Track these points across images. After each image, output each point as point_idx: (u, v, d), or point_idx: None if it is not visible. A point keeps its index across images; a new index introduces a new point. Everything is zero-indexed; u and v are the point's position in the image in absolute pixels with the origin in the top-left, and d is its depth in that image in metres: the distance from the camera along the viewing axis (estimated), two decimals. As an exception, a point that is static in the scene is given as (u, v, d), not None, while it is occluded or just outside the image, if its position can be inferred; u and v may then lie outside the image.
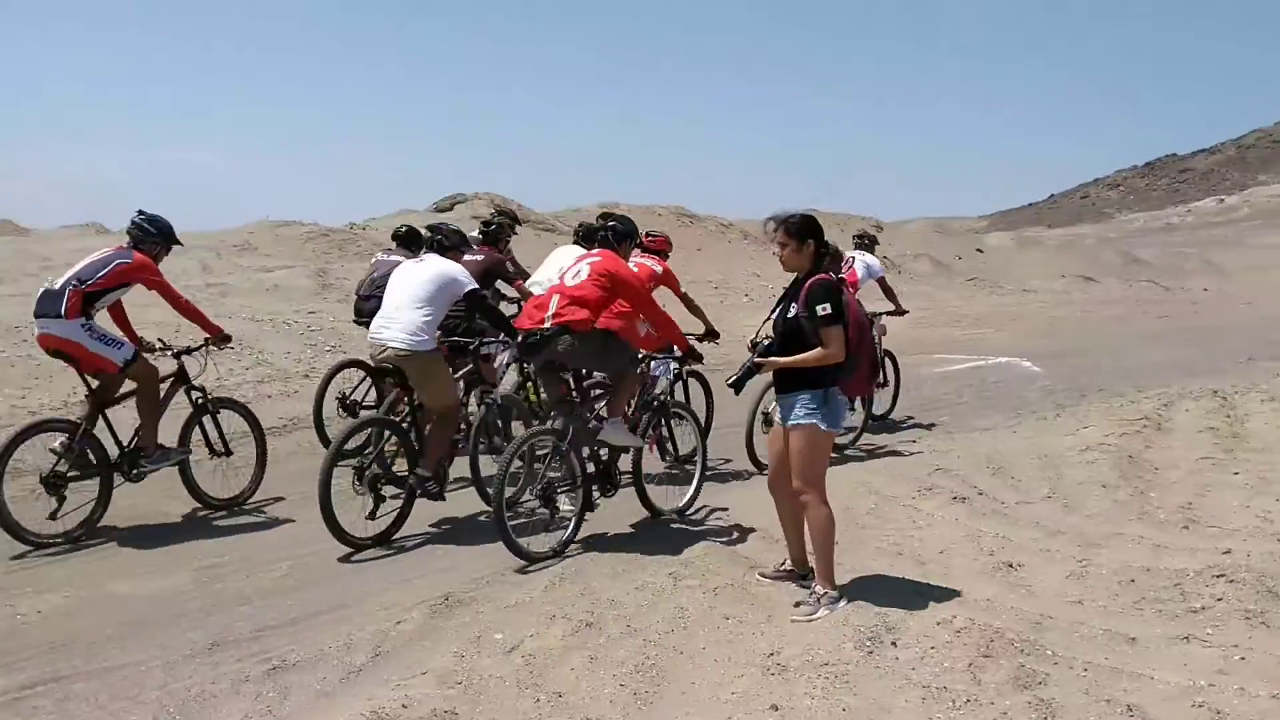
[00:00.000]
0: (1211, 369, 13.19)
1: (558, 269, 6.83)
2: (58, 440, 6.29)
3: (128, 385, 6.67)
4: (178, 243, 7.13)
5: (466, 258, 7.18)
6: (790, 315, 4.76)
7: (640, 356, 6.60)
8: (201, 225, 20.36)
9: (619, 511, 6.73)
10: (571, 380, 6.37)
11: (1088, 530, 5.78)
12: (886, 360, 9.56)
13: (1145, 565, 5.08)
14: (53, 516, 6.18)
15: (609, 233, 6.52)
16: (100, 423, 6.57)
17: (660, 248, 8.36)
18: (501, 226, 9.15)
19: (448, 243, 6.63)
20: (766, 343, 4.83)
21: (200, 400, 7.14)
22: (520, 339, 6.12)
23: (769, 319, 4.99)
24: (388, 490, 6.22)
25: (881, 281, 9.99)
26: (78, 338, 6.29)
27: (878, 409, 9.66)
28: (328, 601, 5.39)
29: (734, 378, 4.78)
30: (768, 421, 7.16)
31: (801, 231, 4.77)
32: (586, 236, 7.38)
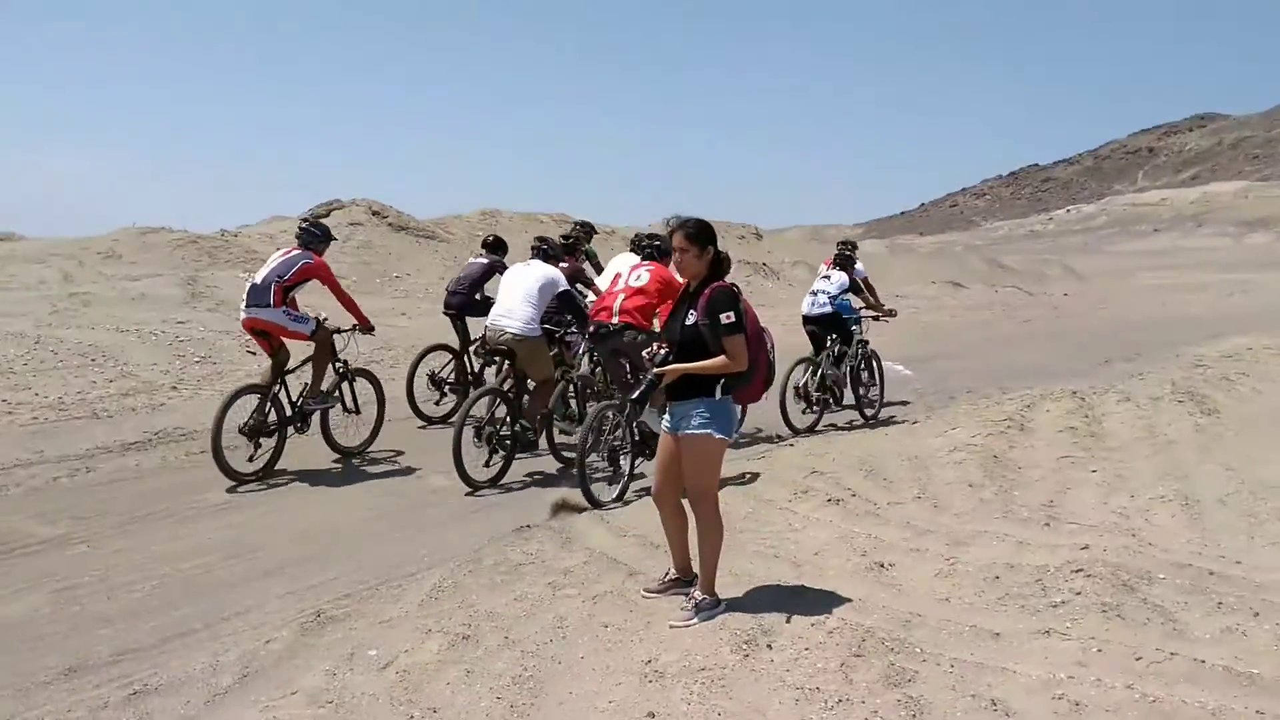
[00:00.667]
0: (1071, 371, 13.80)
1: (614, 273, 8.30)
2: (256, 399, 8.08)
3: (300, 353, 8.54)
4: (334, 239, 9.17)
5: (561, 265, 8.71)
6: (689, 323, 4.66)
7: None
8: (63, 232, 19.51)
9: (499, 523, 6.69)
10: (629, 366, 7.63)
11: (955, 529, 5.97)
12: (872, 361, 10.92)
13: (1009, 562, 5.27)
14: (250, 460, 8.01)
15: (654, 250, 8.01)
16: (281, 390, 8.34)
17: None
18: (578, 238, 10.37)
19: (551, 251, 8.52)
20: (665, 353, 4.73)
21: (342, 369, 8.86)
22: (591, 330, 7.70)
23: (670, 324, 4.89)
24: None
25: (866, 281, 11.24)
26: (279, 320, 8.22)
27: (868, 410, 10.76)
28: (193, 621, 5.21)
29: (637, 393, 4.69)
30: (798, 394, 10.08)
31: (701, 237, 4.69)
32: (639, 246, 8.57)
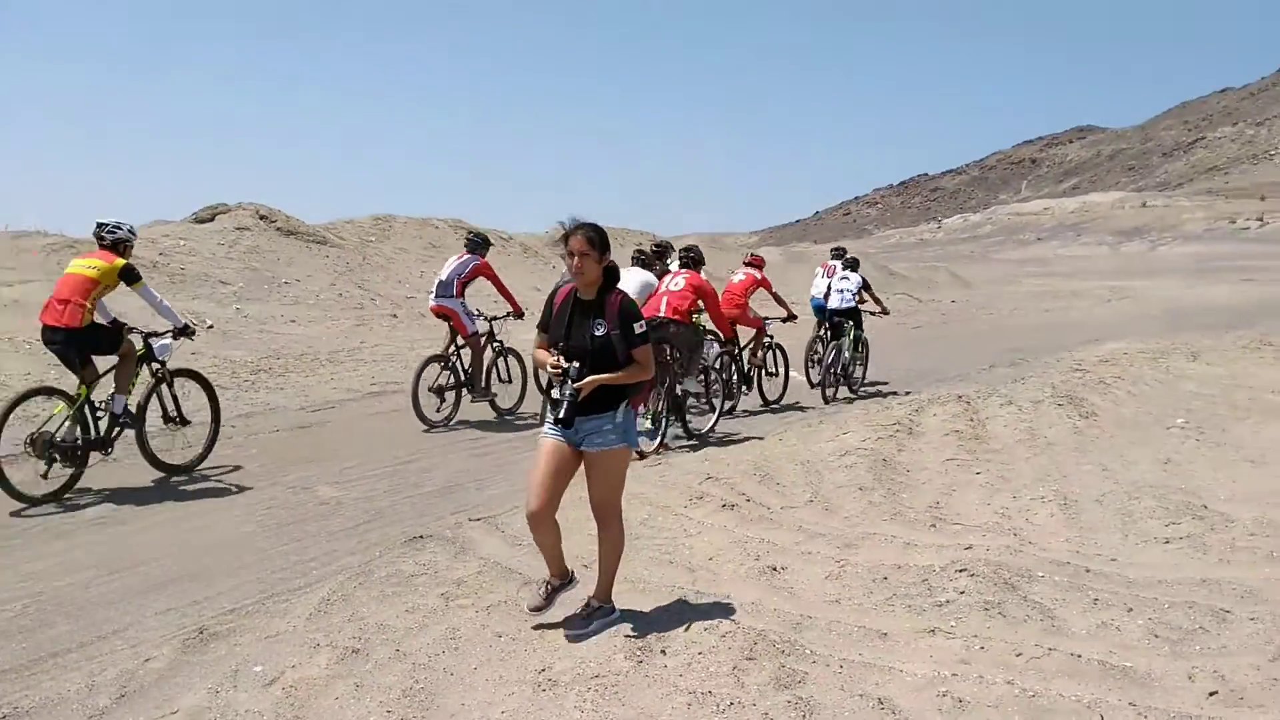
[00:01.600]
0: (958, 375, 14.21)
1: (637, 285, 9.49)
2: (438, 366, 10.48)
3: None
4: (492, 245, 12.19)
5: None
6: (599, 333, 4.48)
7: (701, 340, 10.08)
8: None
9: (391, 534, 6.57)
10: (669, 350, 9.14)
11: (845, 532, 6.07)
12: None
13: (896, 563, 5.38)
14: (437, 410, 10.40)
15: (690, 260, 10.00)
16: (456, 361, 10.70)
17: (758, 263, 12.45)
18: (655, 255, 11.15)
19: (645, 260, 10.28)
20: (577, 366, 4.44)
21: (499, 348, 11.42)
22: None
23: (567, 335, 4.58)
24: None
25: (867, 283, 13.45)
26: (458, 309, 10.69)
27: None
28: (69, 641, 4.99)
29: (561, 413, 4.41)
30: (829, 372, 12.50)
31: (600, 242, 4.52)
32: (659, 255, 10.95)
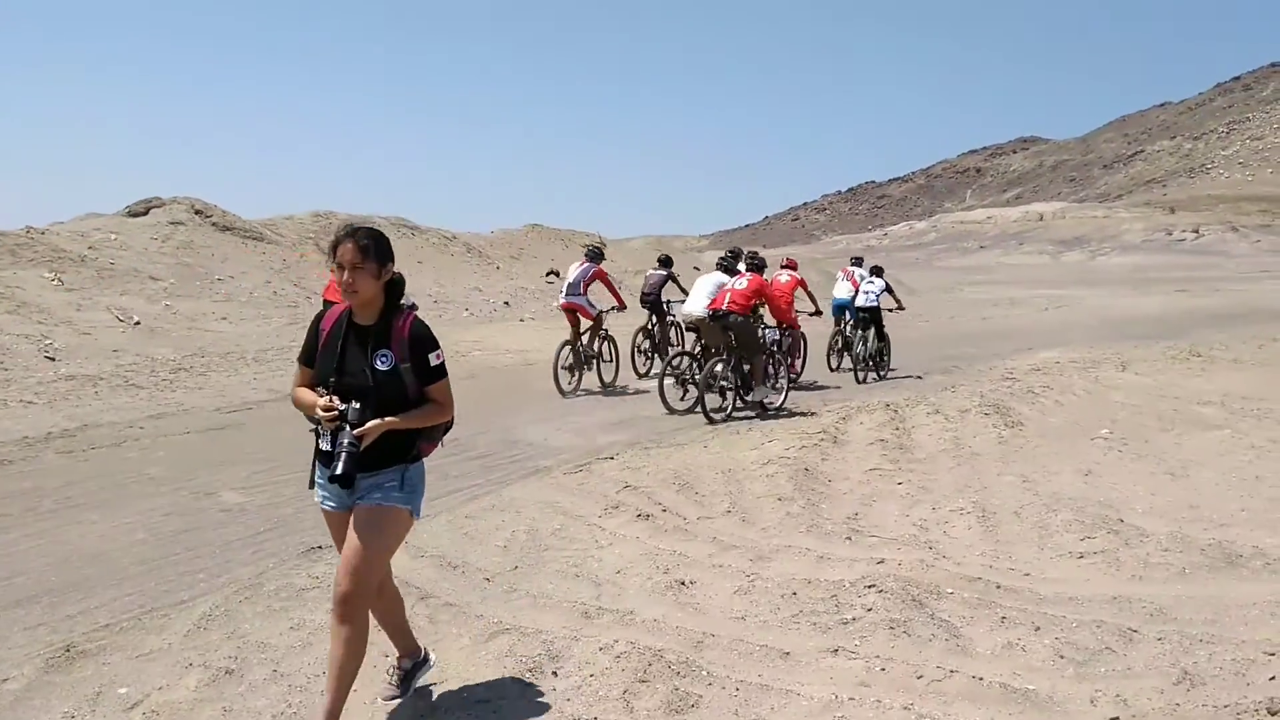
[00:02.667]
0: (889, 385, 14.17)
1: (715, 284, 11.63)
2: (569, 349, 13.13)
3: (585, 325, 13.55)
4: (605, 256, 14.64)
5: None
6: (384, 366, 3.56)
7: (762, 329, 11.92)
8: None
9: (290, 544, 6.30)
10: (733, 337, 11.15)
11: (760, 544, 5.92)
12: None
13: (807, 577, 5.24)
14: (569, 383, 12.95)
15: (754, 266, 11.83)
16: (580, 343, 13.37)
17: (793, 265, 14.13)
18: (733, 258, 12.75)
19: (729, 265, 12.20)
20: (356, 407, 3.46)
21: (604, 334, 13.79)
22: (710, 314, 11.25)
23: (340, 369, 3.61)
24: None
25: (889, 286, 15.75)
26: (583, 303, 13.28)
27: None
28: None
29: (339, 468, 3.40)
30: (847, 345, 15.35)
31: (378, 251, 3.56)
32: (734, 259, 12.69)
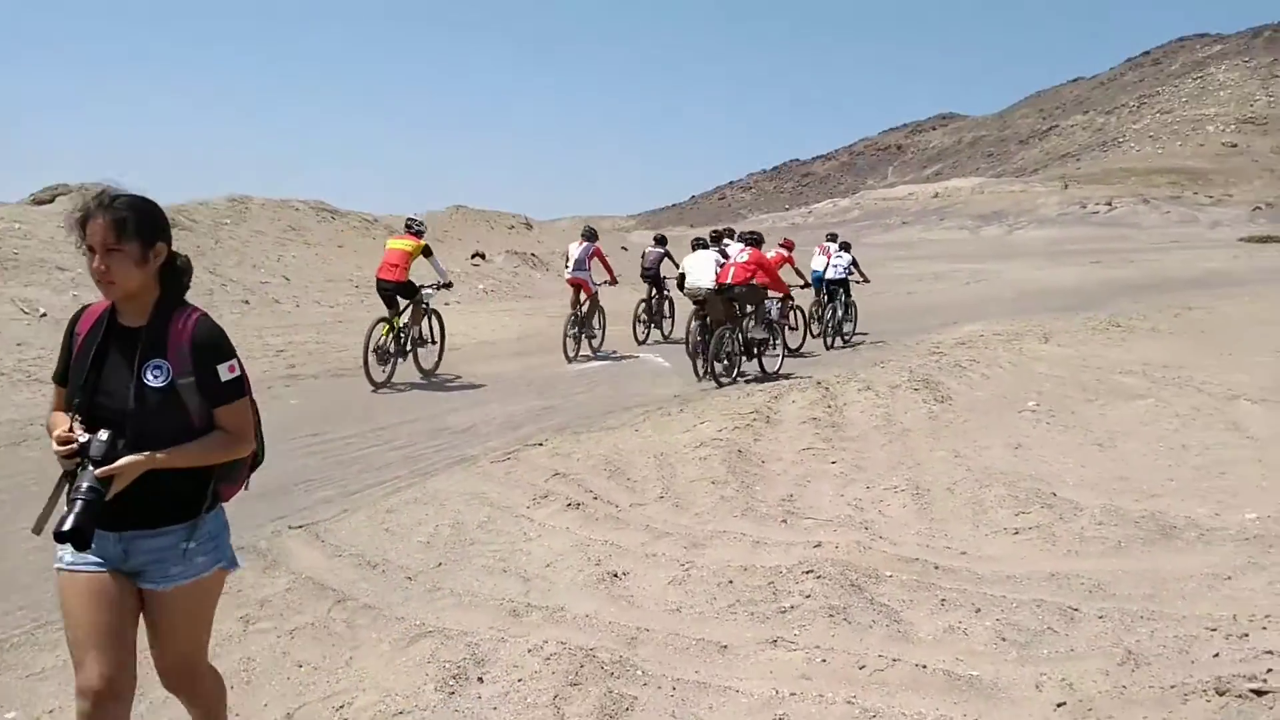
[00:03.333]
0: (820, 361, 14.14)
1: (711, 261, 12.39)
2: (573, 316, 14.48)
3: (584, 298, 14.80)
4: (597, 238, 15.49)
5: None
6: (157, 382, 2.66)
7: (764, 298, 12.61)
8: None
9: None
10: (737, 308, 12.10)
11: (695, 530, 5.76)
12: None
13: (744, 564, 5.08)
14: (575, 352, 14.32)
15: (752, 241, 12.67)
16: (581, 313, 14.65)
17: (789, 245, 15.74)
18: (714, 239, 14.46)
19: (704, 243, 13.26)
20: (105, 439, 2.56)
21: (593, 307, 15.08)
22: (717, 287, 11.99)
23: (93, 386, 2.69)
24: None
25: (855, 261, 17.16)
26: (586, 278, 14.80)
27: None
28: None
29: (69, 522, 2.43)
30: (827, 327, 16.34)
31: (146, 227, 2.67)
32: (714, 239, 14.31)
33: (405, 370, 12.18)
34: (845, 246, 17.04)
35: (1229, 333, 14.62)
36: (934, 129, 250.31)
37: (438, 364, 12.66)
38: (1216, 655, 3.69)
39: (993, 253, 56.71)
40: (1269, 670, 3.45)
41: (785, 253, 15.22)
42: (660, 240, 17.85)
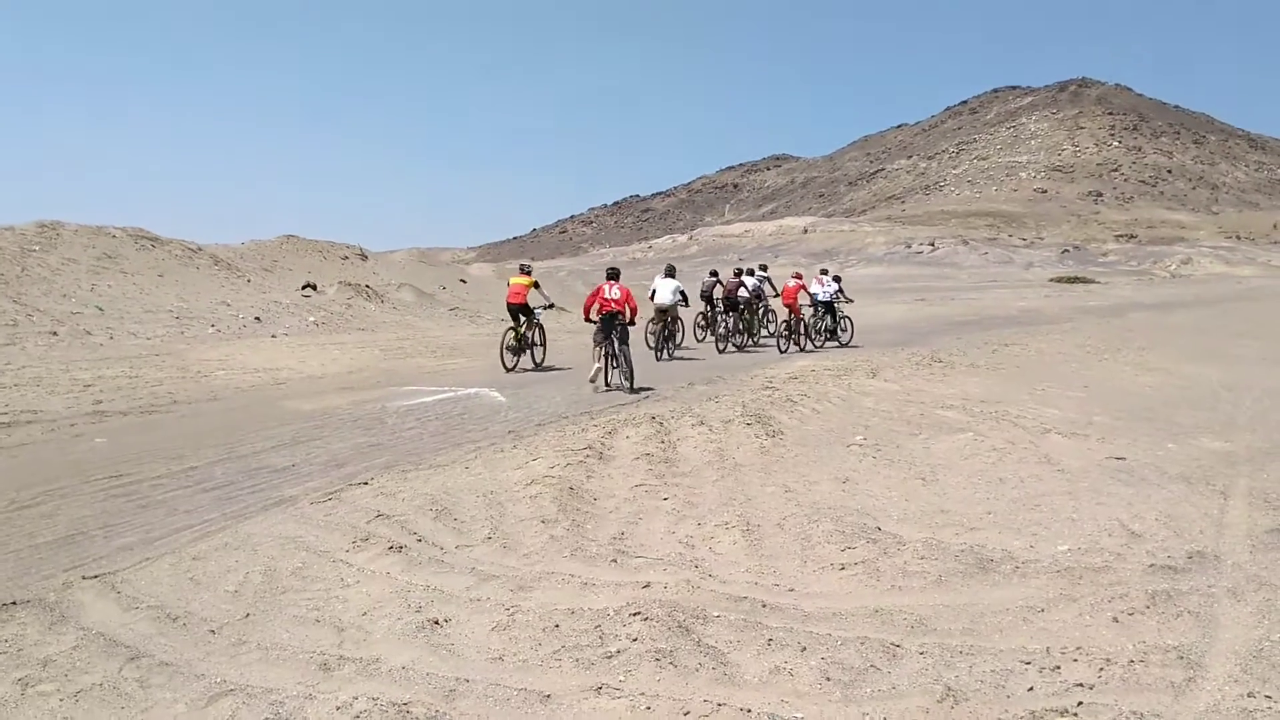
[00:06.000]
0: (655, 395, 14.15)
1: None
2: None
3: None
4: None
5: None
6: None
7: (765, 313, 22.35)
8: None
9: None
10: (742, 311, 20.69)
11: (522, 572, 5.58)
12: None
13: (571, 607, 4.94)
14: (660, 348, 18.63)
15: (757, 271, 22.89)
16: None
17: (799, 276, 21.54)
18: (738, 273, 21.79)
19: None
20: None
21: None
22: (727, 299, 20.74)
23: None
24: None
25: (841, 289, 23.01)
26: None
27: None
28: None
29: None
30: (809, 333, 21.68)
31: None
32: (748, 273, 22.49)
33: (222, 406, 11.55)
34: (836, 279, 22.43)
35: (1041, 368, 15.42)
36: (768, 169, 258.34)
37: (544, 358, 17.48)
38: (1031, 689, 3.76)
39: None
40: (1079, 703, 3.52)
41: (801, 283, 21.21)
42: (714, 273, 22.77)
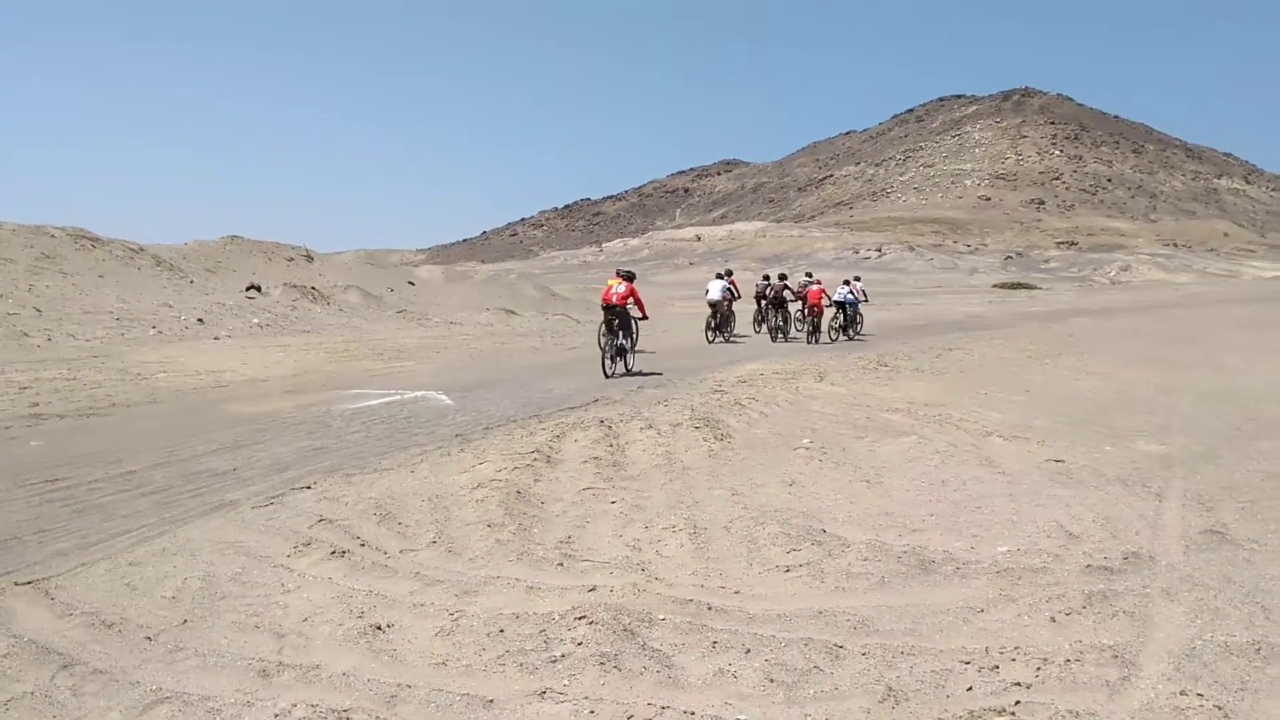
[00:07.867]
0: (606, 399, 14.14)
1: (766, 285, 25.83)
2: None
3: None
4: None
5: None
6: None
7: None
8: None
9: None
10: (781, 301, 24.78)
11: (468, 576, 5.54)
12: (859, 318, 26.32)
13: (516, 611, 4.92)
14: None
15: (781, 278, 26.13)
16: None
17: (819, 281, 25.15)
18: (767, 279, 26.92)
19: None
20: None
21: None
22: (769, 297, 25.50)
23: None
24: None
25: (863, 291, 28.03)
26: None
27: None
28: None
29: None
30: (831, 330, 25.25)
31: None
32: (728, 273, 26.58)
33: (162, 409, 11.34)
34: (857, 279, 27.65)
35: (984, 373, 15.64)
36: (719, 174, 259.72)
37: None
38: (970, 689, 3.80)
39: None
40: (1017, 702, 3.57)
41: (823, 286, 24.16)
42: (767, 277, 26.67)
